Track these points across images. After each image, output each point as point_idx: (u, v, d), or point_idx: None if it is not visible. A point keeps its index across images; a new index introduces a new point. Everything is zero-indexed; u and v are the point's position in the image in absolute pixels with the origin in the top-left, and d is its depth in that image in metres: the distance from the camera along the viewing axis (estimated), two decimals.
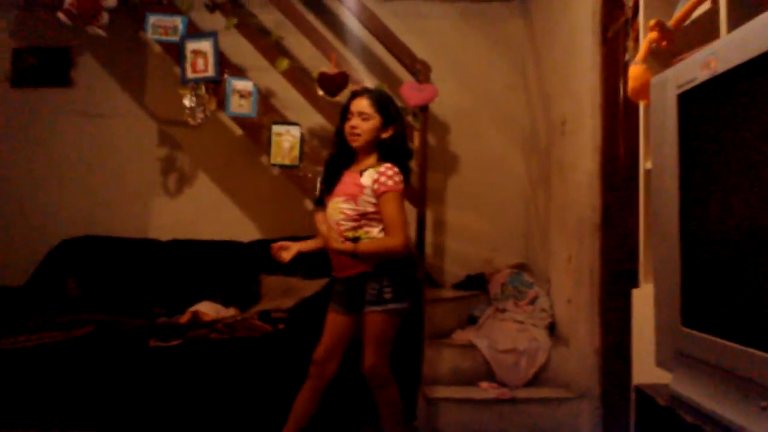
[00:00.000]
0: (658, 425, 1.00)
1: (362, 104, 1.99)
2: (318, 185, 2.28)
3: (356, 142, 1.99)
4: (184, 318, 2.85)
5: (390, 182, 1.94)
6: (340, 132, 2.06)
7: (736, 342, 0.84)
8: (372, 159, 2.03)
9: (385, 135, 2.00)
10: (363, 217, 1.98)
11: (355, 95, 2.06)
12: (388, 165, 1.97)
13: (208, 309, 2.91)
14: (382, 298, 1.93)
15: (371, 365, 1.98)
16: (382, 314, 1.94)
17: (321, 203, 2.10)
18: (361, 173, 2.00)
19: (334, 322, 2.06)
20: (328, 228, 1.98)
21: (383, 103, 2.03)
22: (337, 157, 2.08)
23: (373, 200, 1.96)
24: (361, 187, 1.97)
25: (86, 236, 3.33)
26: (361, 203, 1.96)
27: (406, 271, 1.99)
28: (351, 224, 1.97)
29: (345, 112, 2.04)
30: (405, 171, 2.02)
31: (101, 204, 3.47)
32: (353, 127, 1.98)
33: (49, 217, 3.46)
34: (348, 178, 2.02)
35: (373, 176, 1.97)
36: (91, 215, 3.45)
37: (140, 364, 2.53)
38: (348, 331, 2.05)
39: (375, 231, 1.98)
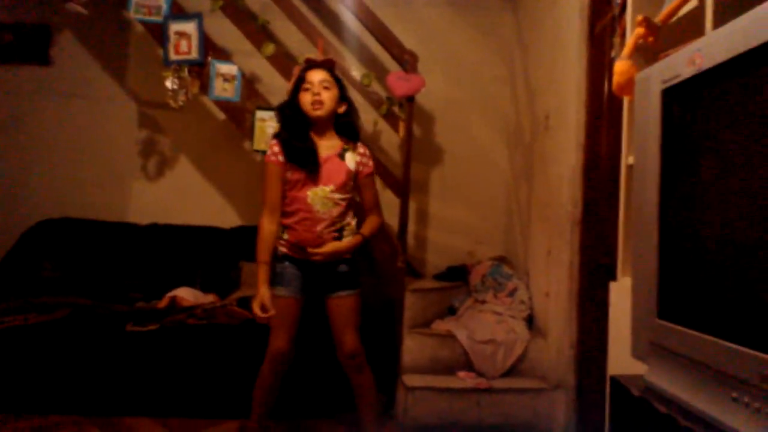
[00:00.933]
0: (632, 415, 1.02)
1: (322, 74, 1.95)
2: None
3: (320, 111, 1.93)
4: (162, 303, 2.82)
5: (371, 162, 2.05)
6: (293, 104, 1.95)
7: (709, 334, 0.86)
8: (332, 135, 2.01)
9: (340, 109, 2.00)
10: (349, 206, 2.00)
11: (310, 66, 2.00)
12: (361, 145, 2.05)
13: (186, 294, 2.88)
14: (358, 281, 2.02)
15: (355, 347, 1.99)
16: (357, 296, 2.02)
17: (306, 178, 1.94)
18: (340, 156, 1.98)
19: (289, 309, 1.97)
20: (330, 246, 1.96)
21: (338, 77, 2.03)
22: (296, 135, 1.94)
23: (352, 183, 2.01)
24: (349, 172, 1.99)
25: (63, 218, 3.26)
26: (348, 190, 2.00)
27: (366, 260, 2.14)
28: (340, 212, 1.97)
29: (299, 83, 1.97)
30: (357, 137, 2.09)
31: (79, 186, 3.40)
32: (316, 94, 1.92)
33: (25, 198, 3.38)
34: (331, 165, 1.96)
35: (355, 159, 2.00)
36: (68, 197, 3.38)
37: (117, 349, 2.51)
38: (299, 315, 2.01)
39: (353, 223, 2.04)
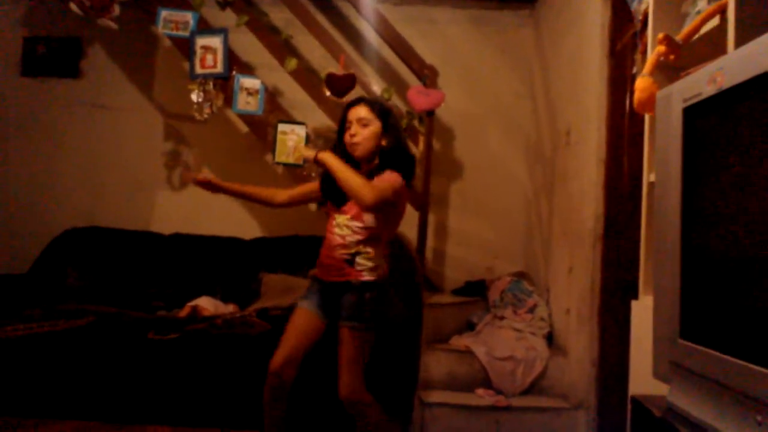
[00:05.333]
0: None
1: (360, 111, 1.92)
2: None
3: (357, 151, 1.92)
4: (184, 312, 2.86)
5: (385, 176, 1.86)
6: (339, 145, 1.97)
7: (733, 356, 0.84)
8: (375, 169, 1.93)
9: (383, 142, 1.92)
10: (369, 233, 1.91)
11: (350, 105, 1.98)
12: (389, 171, 1.88)
13: (207, 304, 2.92)
14: (363, 316, 1.86)
15: (349, 389, 1.85)
16: (361, 332, 1.86)
17: (333, 203, 1.98)
18: None
19: (300, 320, 1.95)
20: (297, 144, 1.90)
21: (381, 107, 1.96)
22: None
23: (371, 214, 1.89)
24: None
25: (89, 227, 3.34)
26: (367, 220, 1.91)
27: (382, 296, 1.91)
28: (357, 239, 1.91)
29: (343, 123, 1.97)
30: (408, 176, 1.94)
31: (106, 195, 3.49)
32: (353, 135, 1.90)
33: (53, 207, 3.48)
34: None
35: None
36: (95, 206, 3.47)
37: (139, 356, 2.54)
38: (312, 332, 1.94)
39: (374, 252, 1.91)
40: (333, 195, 1.96)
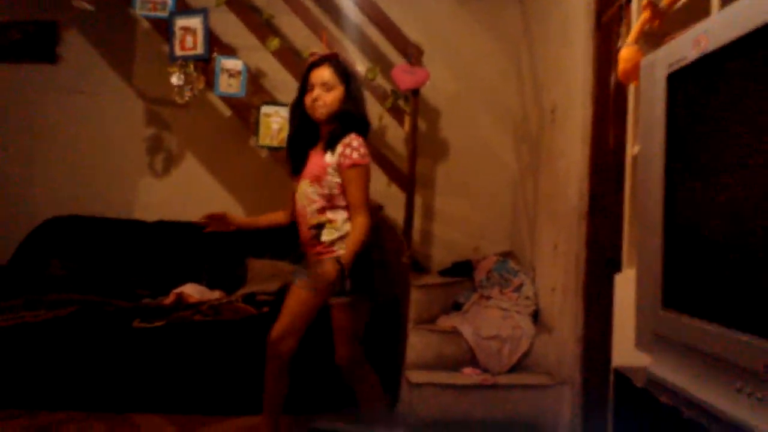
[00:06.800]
0: (635, 407, 1.00)
1: (324, 74, 1.88)
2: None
3: (319, 114, 1.87)
4: (169, 300, 2.83)
5: (355, 154, 1.83)
6: (299, 105, 1.93)
7: (714, 322, 0.84)
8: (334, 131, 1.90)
9: (346, 106, 1.89)
10: (328, 202, 1.87)
11: (314, 65, 1.92)
12: (353, 135, 1.85)
13: (192, 291, 2.89)
14: (343, 290, 1.83)
15: (343, 356, 1.91)
16: (346, 306, 1.87)
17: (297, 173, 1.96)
18: (325, 151, 1.89)
19: (293, 297, 1.96)
20: (323, 270, 1.81)
21: (345, 71, 1.92)
22: (298, 134, 1.94)
23: (338, 179, 1.85)
24: (325, 165, 1.86)
25: (71, 216, 3.28)
26: (326, 185, 1.86)
27: (364, 264, 1.87)
28: (316, 208, 1.87)
29: (304, 84, 1.92)
30: (365, 135, 1.92)
31: (87, 183, 3.43)
32: (315, 99, 1.86)
33: (33, 196, 3.41)
34: (314, 158, 1.91)
35: (339, 150, 1.85)
36: (76, 194, 3.40)
37: (124, 345, 2.52)
38: (308, 305, 1.92)
39: (340, 219, 1.87)
40: (293, 160, 1.94)
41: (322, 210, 1.88)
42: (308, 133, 1.95)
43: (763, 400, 0.73)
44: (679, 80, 0.96)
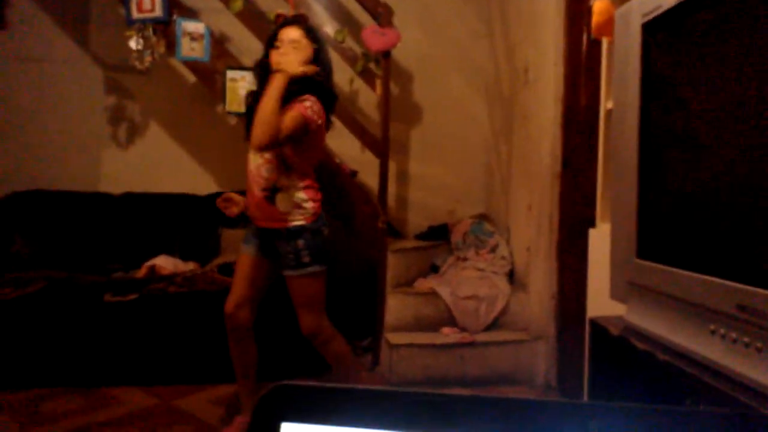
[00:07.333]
0: (611, 355, 1.03)
1: (293, 33, 1.83)
2: None
3: (283, 70, 1.78)
4: (141, 272, 2.77)
5: (306, 106, 1.75)
6: (264, 64, 1.86)
7: (687, 269, 0.86)
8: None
9: (310, 70, 1.81)
10: (282, 163, 1.80)
11: (284, 23, 1.88)
12: (310, 96, 1.79)
13: (165, 263, 2.84)
14: (301, 262, 1.81)
15: (307, 327, 1.88)
16: (305, 278, 1.83)
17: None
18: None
19: (244, 265, 1.92)
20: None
21: (315, 35, 1.88)
22: (259, 95, 1.82)
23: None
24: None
25: (33, 190, 3.15)
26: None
27: (319, 233, 1.85)
28: (269, 169, 1.81)
29: (271, 41, 1.85)
30: (328, 110, 1.86)
31: (47, 156, 3.28)
32: (283, 54, 1.80)
33: None
34: None
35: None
36: (36, 168, 3.25)
37: (96, 320, 2.47)
38: (259, 275, 1.92)
39: (298, 185, 1.82)
40: (250, 121, 1.83)
41: (277, 172, 1.81)
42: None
43: (736, 341, 0.76)
44: (655, 29, 0.96)
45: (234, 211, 1.95)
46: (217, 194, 3.22)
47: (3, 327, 2.41)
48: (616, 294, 1.05)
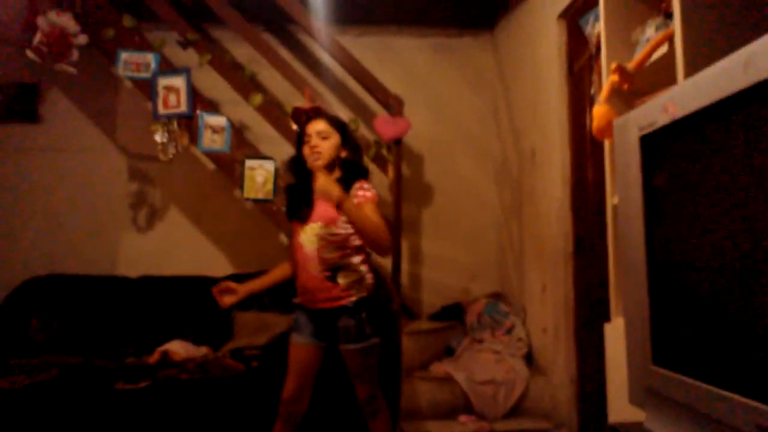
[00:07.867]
0: None
1: (319, 125, 1.98)
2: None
3: (319, 161, 1.94)
4: (153, 358, 2.76)
5: (369, 194, 1.92)
6: (297, 158, 2.02)
7: (704, 381, 0.85)
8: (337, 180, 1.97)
9: (343, 154, 1.99)
10: (344, 242, 1.90)
11: (309, 119, 2.03)
12: (365, 181, 1.96)
13: (178, 348, 2.83)
14: (364, 334, 1.88)
15: (366, 396, 1.94)
16: (367, 349, 1.90)
17: (297, 218, 1.99)
18: None
19: (301, 356, 1.96)
20: (325, 179, 1.86)
21: (338, 121, 2.04)
22: (300, 184, 2.01)
23: (350, 227, 1.89)
24: (338, 211, 1.90)
25: (51, 275, 3.22)
26: (340, 227, 1.90)
27: (379, 305, 1.97)
28: (332, 250, 1.89)
29: (301, 137, 2.01)
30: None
31: (69, 241, 3.38)
32: (314, 146, 1.94)
33: (12, 256, 3.34)
34: (322, 205, 1.94)
35: (352, 192, 1.92)
36: (57, 253, 3.35)
37: (107, 409, 2.43)
38: (315, 364, 1.97)
39: (357, 260, 1.92)
40: (297, 207, 1.98)
41: (339, 251, 1.90)
42: (307, 184, 1.98)
43: None
44: (652, 142, 1.01)
45: (226, 301, 2.02)
46: (233, 276, 3.29)
47: (12, 416, 2.39)
48: (634, 399, 1.03)
